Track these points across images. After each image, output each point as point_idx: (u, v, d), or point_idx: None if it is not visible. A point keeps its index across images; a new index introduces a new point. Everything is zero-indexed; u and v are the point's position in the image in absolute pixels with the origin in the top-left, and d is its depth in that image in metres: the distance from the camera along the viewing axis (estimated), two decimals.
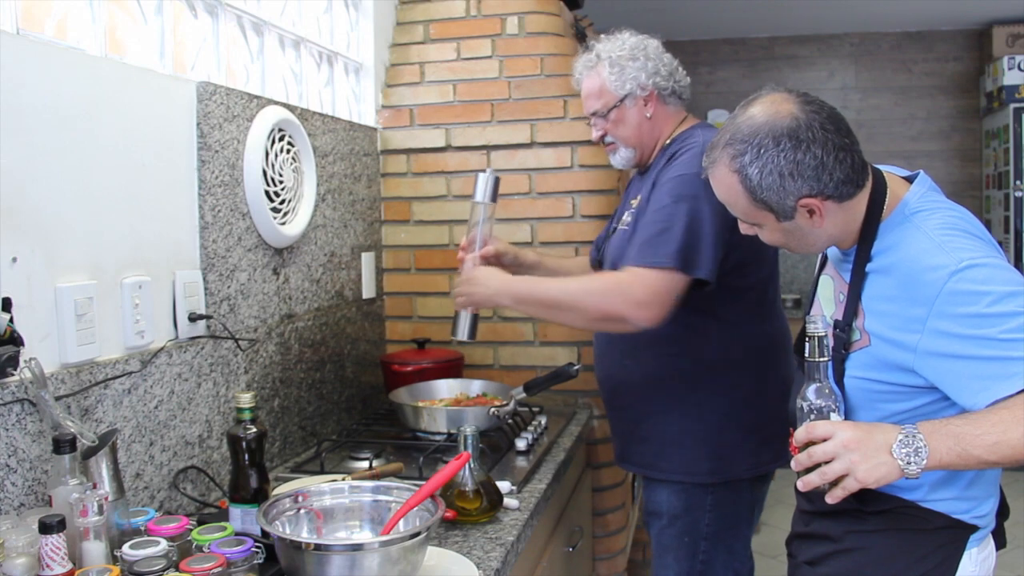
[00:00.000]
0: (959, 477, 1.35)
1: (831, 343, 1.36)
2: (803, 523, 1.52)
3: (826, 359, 1.33)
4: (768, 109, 1.33)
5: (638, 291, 1.74)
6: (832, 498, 1.27)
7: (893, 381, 1.32)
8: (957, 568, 1.35)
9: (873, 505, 1.38)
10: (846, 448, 1.24)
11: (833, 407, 1.32)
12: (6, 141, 1.30)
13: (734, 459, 1.90)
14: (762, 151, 1.31)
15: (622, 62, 1.94)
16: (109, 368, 1.49)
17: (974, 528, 1.37)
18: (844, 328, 1.36)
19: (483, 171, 2.04)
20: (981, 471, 1.35)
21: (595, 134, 2.03)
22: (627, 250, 1.85)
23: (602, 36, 2.00)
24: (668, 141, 1.96)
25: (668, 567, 1.97)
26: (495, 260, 2.04)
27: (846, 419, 1.35)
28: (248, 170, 1.90)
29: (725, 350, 1.89)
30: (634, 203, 1.95)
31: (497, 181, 2.03)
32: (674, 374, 1.91)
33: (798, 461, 1.30)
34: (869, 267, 1.35)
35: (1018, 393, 1.19)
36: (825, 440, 1.26)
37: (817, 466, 1.27)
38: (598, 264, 2.10)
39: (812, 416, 1.32)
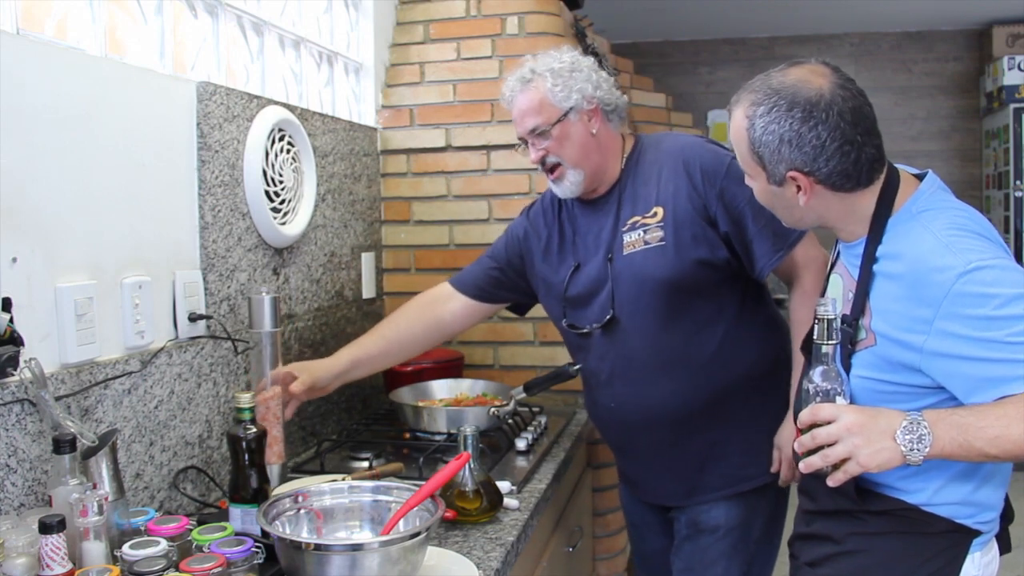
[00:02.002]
0: (968, 481, 1.34)
1: (839, 327, 1.35)
2: (805, 523, 1.52)
3: (834, 342, 1.32)
4: (803, 75, 1.33)
5: (822, 261, 1.74)
6: (833, 481, 1.27)
7: (899, 381, 1.31)
8: (960, 572, 1.35)
9: (876, 506, 1.38)
10: (849, 431, 1.24)
11: (839, 390, 1.31)
12: (6, 141, 1.30)
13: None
14: (773, 109, 1.32)
15: (564, 74, 1.80)
16: (109, 368, 1.49)
17: (977, 533, 1.36)
18: (851, 324, 1.36)
19: (259, 294, 1.72)
20: (992, 475, 1.35)
21: (533, 155, 1.82)
22: (757, 246, 1.75)
23: (527, 55, 1.88)
24: (626, 156, 1.87)
25: None
26: (310, 394, 1.85)
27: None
28: (248, 170, 1.90)
29: (769, 346, 1.87)
30: (650, 220, 1.81)
31: (275, 302, 1.72)
32: (741, 382, 1.83)
33: (801, 443, 1.30)
34: (876, 268, 1.35)
35: None
36: (829, 422, 1.26)
37: (820, 448, 1.27)
38: (578, 301, 1.89)
39: (817, 398, 1.31)
